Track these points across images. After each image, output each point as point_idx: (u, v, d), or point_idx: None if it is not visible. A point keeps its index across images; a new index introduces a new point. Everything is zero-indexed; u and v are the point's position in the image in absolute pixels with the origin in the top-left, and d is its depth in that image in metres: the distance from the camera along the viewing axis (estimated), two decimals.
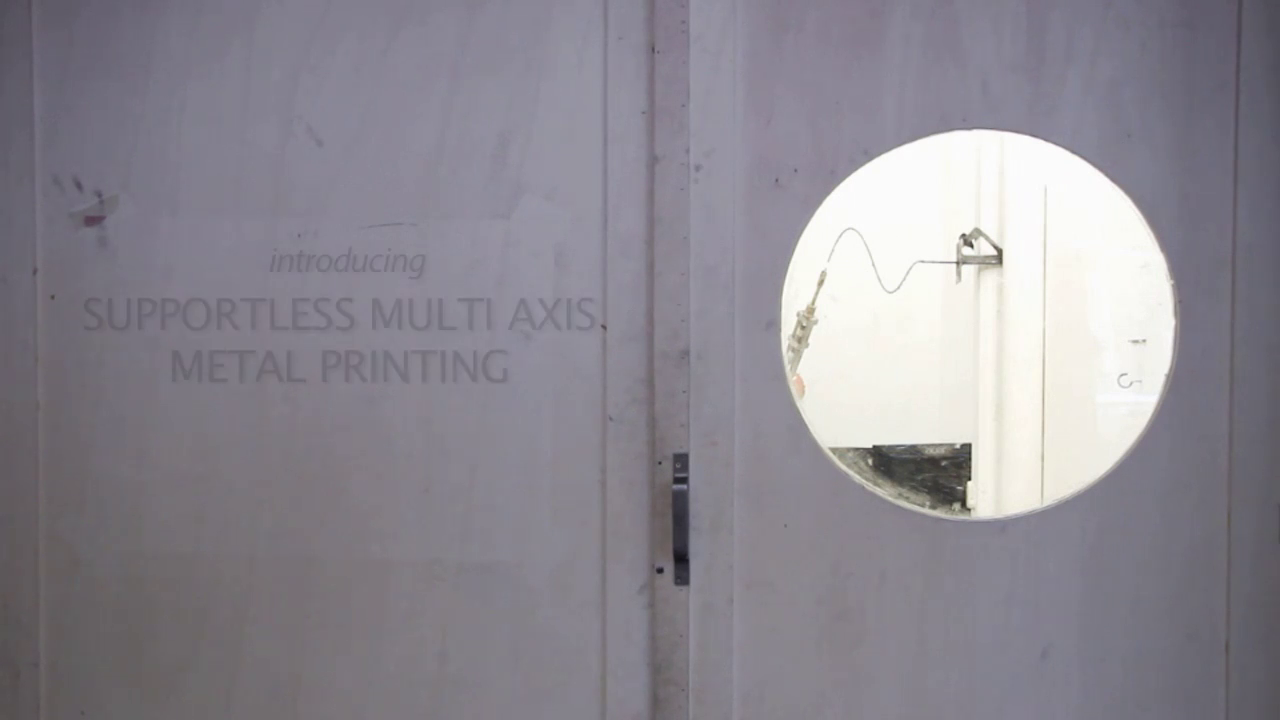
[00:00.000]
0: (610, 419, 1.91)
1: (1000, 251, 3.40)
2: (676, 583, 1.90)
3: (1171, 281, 1.85)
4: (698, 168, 1.89)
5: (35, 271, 1.98)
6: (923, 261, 3.76)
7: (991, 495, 3.44)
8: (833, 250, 3.51)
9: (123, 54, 1.97)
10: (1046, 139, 1.89)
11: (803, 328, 3.71)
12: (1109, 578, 1.88)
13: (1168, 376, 1.86)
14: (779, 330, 1.92)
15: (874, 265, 3.58)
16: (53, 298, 1.97)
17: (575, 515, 1.93)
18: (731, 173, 1.89)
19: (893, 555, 1.90)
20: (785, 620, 1.91)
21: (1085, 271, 2.95)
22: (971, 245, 3.47)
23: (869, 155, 1.89)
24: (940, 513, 1.99)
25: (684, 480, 1.89)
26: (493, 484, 1.94)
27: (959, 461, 3.95)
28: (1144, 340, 2.42)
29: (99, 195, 1.97)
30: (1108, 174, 1.87)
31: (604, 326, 1.92)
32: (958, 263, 3.51)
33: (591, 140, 1.91)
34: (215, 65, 1.96)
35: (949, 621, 1.89)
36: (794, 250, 1.90)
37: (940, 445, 4.34)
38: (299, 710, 1.98)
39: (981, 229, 3.46)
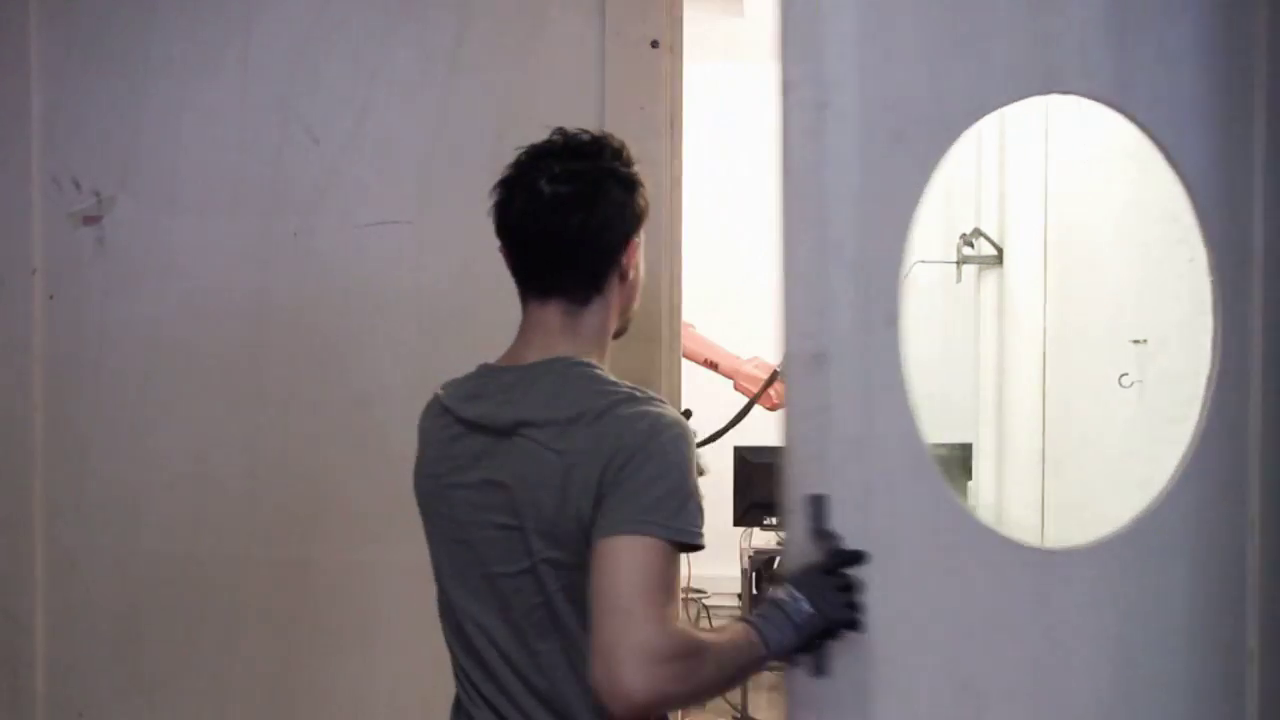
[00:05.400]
0: None
1: (1000, 251, 3.39)
2: None
3: (1213, 277, 1.74)
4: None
5: (34, 272, 1.97)
6: (923, 261, 3.76)
7: (992, 495, 3.44)
8: None
9: (121, 52, 1.96)
10: (1127, 111, 1.69)
11: None
12: (1152, 600, 1.67)
13: (1209, 379, 1.74)
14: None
15: None
16: (51, 297, 1.96)
17: None
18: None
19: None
20: None
21: (1085, 271, 2.94)
22: (971, 245, 3.47)
23: (979, 113, 1.61)
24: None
25: None
26: None
27: (959, 461, 3.95)
28: (1144, 340, 2.42)
29: (97, 195, 1.96)
30: (1170, 156, 1.71)
31: None
32: (958, 263, 3.50)
33: None
34: (212, 63, 1.96)
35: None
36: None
37: (940, 445, 4.35)
38: (295, 717, 1.97)
39: (981, 229, 3.46)
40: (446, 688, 1.95)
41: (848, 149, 1.50)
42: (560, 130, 1.42)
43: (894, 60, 1.54)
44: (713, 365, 4.03)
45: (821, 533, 1.41)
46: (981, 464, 3.48)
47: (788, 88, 1.46)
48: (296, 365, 1.95)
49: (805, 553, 1.42)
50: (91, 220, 1.97)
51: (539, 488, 1.29)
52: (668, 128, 1.90)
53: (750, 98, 5.52)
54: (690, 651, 1.22)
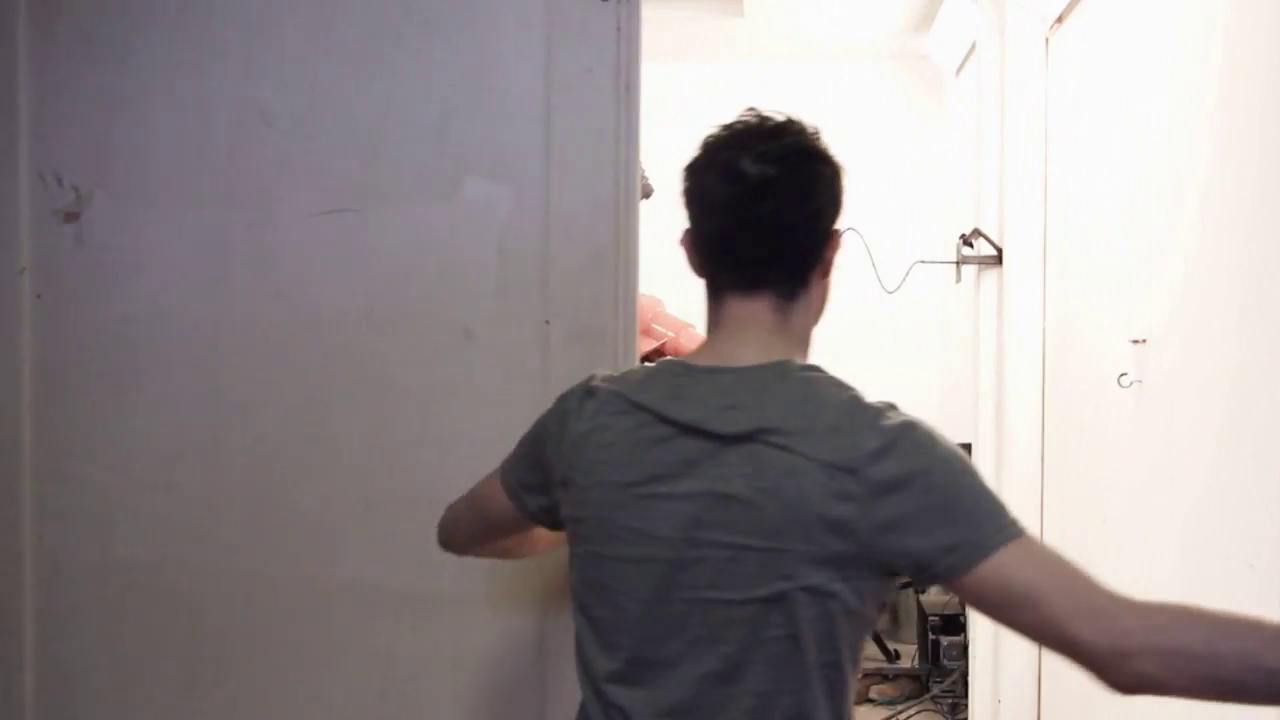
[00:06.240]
0: None
1: (1000, 251, 3.39)
2: None
3: None
4: None
5: (23, 271, 1.90)
6: (923, 261, 3.75)
7: None
8: None
9: (99, 39, 1.86)
10: None
11: None
12: None
13: None
14: None
15: (874, 265, 3.57)
16: (39, 297, 1.89)
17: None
18: None
19: None
20: None
21: (1084, 271, 2.94)
22: (971, 245, 3.46)
23: None
24: None
25: None
26: (435, 504, 1.67)
27: None
28: (1144, 340, 2.41)
29: (76, 190, 1.88)
30: None
31: (547, 322, 1.70)
32: (958, 263, 3.50)
33: (533, 106, 1.70)
34: (175, 45, 1.82)
35: None
36: None
37: None
38: None
39: (981, 229, 3.45)
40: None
41: None
42: (752, 109, 1.29)
43: None
44: None
45: None
46: (981, 464, 3.47)
47: None
48: (254, 364, 1.82)
49: None
50: (72, 217, 1.87)
51: (803, 505, 1.14)
52: (621, 92, 1.69)
53: (750, 98, 5.51)
54: (1159, 608, 1.09)
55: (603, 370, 1.35)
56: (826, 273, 1.29)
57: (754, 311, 1.26)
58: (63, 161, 1.86)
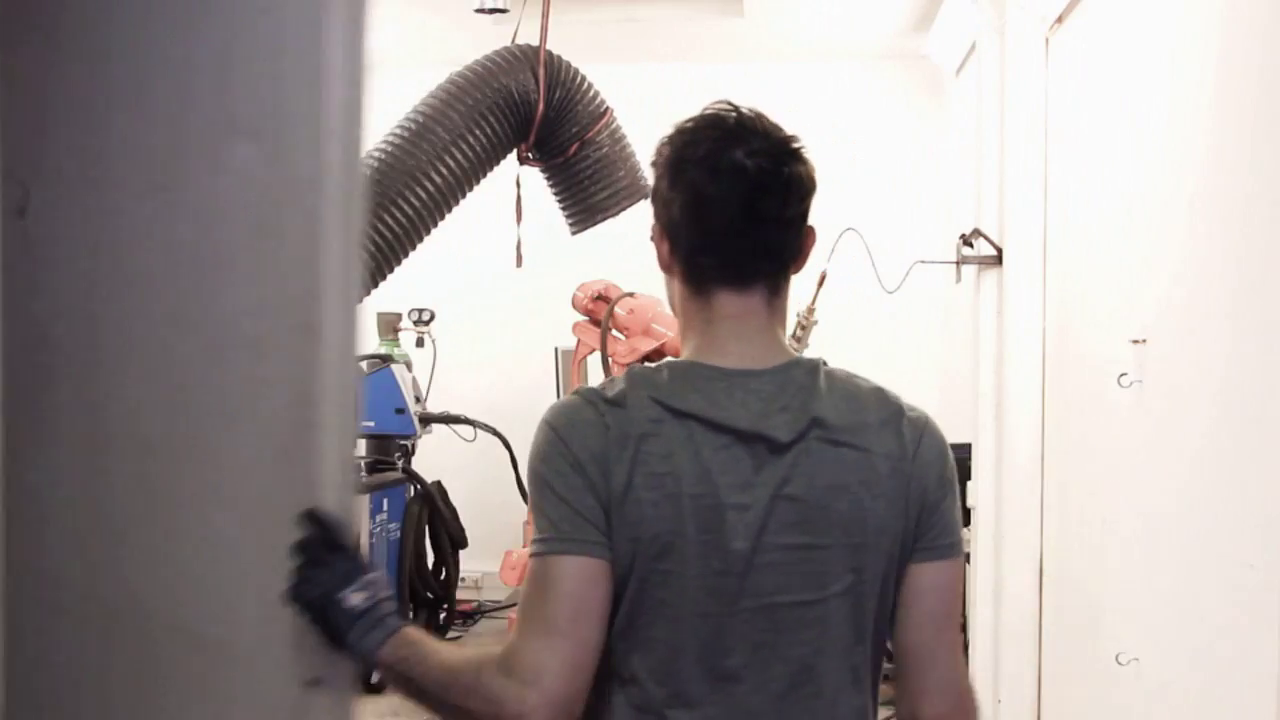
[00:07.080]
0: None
1: (1000, 251, 3.39)
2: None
3: None
4: None
5: None
6: (923, 261, 3.75)
7: (991, 495, 3.43)
8: (833, 250, 3.50)
9: (39, 24, 1.61)
10: None
11: (802, 328, 3.70)
12: None
13: None
14: None
15: (874, 265, 3.57)
16: (11, 296, 1.75)
17: (270, 589, 1.43)
18: None
19: None
20: None
21: (1084, 271, 2.94)
22: (971, 245, 3.46)
23: None
24: None
25: None
26: (210, 539, 1.48)
27: (959, 461, 3.94)
28: (1144, 340, 2.41)
29: (22, 184, 1.71)
30: None
31: (281, 317, 1.44)
32: (958, 263, 3.49)
33: (273, 51, 1.41)
34: (62, 18, 1.60)
35: None
36: None
37: None
38: None
39: (981, 229, 3.45)
40: None
41: None
42: (723, 101, 1.28)
43: None
44: None
45: None
46: (981, 464, 3.47)
47: None
48: (110, 376, 1.61)
49: None
50: (21, 213, 1.72)
51: (872, 497, 1.19)
52: (349, 29, 1.40)
53: (750, 98, 5.50)
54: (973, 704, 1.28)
55: (591, 385, 1.27)
56: (801, 266, 1.29)
57: (749, 307, 1.24)
58: (14, 154, 1.68)
